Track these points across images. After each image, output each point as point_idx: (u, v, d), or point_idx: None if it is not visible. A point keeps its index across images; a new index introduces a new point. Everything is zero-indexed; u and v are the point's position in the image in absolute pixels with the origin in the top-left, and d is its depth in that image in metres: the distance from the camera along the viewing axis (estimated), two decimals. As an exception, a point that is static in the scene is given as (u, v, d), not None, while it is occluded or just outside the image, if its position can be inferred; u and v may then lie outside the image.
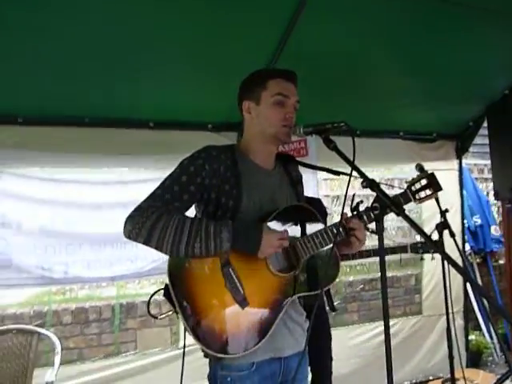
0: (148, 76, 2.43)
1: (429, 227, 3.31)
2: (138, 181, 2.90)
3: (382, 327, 3.67)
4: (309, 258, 1.39)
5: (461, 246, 3.25)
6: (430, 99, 3.13)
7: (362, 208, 1.42)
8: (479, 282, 4.27)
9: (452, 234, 1.99)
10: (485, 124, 3.47)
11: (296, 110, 1.46)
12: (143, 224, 1.26)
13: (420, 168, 1.67)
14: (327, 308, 2.30)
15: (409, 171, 3.86)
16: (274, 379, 1.39)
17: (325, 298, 2.19)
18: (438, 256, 3.13)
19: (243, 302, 1.29)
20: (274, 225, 1.36)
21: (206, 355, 1.36)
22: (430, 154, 3.50)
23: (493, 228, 4.53)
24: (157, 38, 2.22)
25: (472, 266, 4.25)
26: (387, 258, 4.47)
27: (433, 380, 3.39)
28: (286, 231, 1.33)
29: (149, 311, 1.36)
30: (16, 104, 2.41)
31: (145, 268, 2.76)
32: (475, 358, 3.82)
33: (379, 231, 1.16)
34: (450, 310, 2.63)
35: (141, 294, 3.66)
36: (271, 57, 2.52)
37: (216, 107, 2.86)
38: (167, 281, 1.31)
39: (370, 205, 1.38)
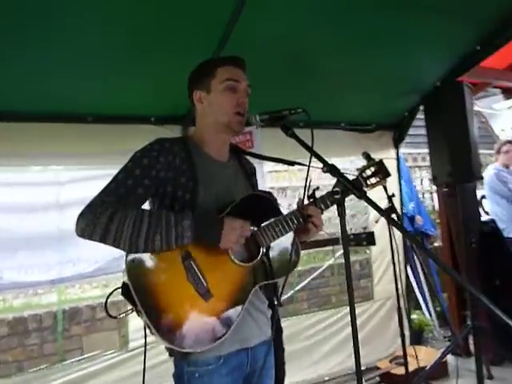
0: (86, 68, 2.30)
1: (374, 213, 3.46)
2: (76, 180, 2.74)
3: (333, 314, 3.79)
4: (269, 247, 1.40)
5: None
6: (369, 91, 3.24)
7: (317, 195, 1.45)
8: (418, 263, 4.52)
9: (399, 218, 2.09)
10: (418, 115, 3.71)
11: (248, 95, 1.46)
12: (97, 220, 1.20)
13: (367, 156, 1.73)
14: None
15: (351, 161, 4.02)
16: (242, 370, 1.38)
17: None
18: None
19: (207, 295, 1.27)
20: (232, 216, 1.35)
21: (170, 353, 1.33)
22: (372, 144, 3.63)
23: (417, 218, 4.79)
24: (94, 30, 2.10)
25: (411, 248, 4.48)
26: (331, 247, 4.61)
27: (381, 360, 3.55)
28: (246, 221, 1.32)
29: (107, 311, 1.30)
30: None
31: (87, 269, 2.64)
32: (417, 336, 4.04)
33: (341, 215, 1.18)
34: (400, 292, 2.79)
35: (84, 297, 3.49)
36: (215, 47, 2.48)
37: (159, 100, 2.79)
38: (125, 279, 1.25)
39: (325, 192, 1.42)
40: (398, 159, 3.92)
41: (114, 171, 2.79)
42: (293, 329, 3.40)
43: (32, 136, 2.48)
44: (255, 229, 1.37)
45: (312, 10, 2.39)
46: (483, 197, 4.43)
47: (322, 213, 1.44)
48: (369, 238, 2.50)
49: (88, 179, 2.72)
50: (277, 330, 2.39)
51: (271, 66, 2.58)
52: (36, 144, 2.51)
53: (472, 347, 3.65)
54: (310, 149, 1.24)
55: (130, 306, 1.28)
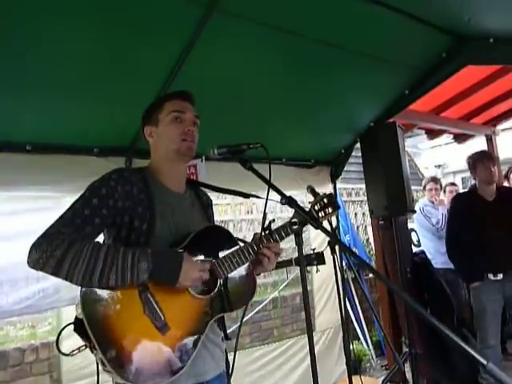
0: (27, 95, 2.23)
1: (316, 243, 3.57)
2: (14, 212, 2.59)
3: (276, 348, 3.80)
4: (226, 279, 1.41)
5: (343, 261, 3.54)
6: (308, 129, 3.42)
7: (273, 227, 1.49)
8: (355, 294, 4.69)
9: (342, 248, 2.18)
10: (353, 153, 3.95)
11: (196, 125, 1.50)
12: (52, 253, 1.16)
13: (311, 189, 1.83)
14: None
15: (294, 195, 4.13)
16: (197, 405, 1.35)
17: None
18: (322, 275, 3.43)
19: (164, 328, 1.25)
20: (190, 248, 1.36)
21: (123, 389, 1.27)
22: (311, 179, 3.76)
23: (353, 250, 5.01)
24: (40, 55, 2.06)
25: (348, 280, 4.65)
26: (272, 279, 4.65)
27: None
28: (206, 263, 1.33)
29: (58, 348, 1.22)
30: None
31: (18, 306, 2.45)
32: (356, 365, 4.14)
33: (299, 244, 1.23)
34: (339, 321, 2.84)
35: (11, 339, 3.21)
36: (162, 84, 2.52)
37: (102, 130, 2.74)
38: (78, 313, 1.21)
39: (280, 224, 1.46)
40: (335, 194, 4.10)
41: (59, 203, 2.68)
42: (236, 364, 3.34)
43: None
44: (213, 260, 1.38)
45: (254, 49, 2.52)
46: (412, 229, 4.73)
47: (278, 244, 1.48)
48: (319, 258, 2.59)
49: (28, 211, 2.59)
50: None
51: (217, 103, 2.66)
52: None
53: (408, 374, 3.83)
54: (268, 182, 1.29)
55: (82, 343, 1.22)
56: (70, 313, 2.47)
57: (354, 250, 4.99)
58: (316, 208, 1.59)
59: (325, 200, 1.60)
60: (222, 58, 2.46)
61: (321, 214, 1.58)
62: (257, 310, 4.21)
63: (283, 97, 2.99)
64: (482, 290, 3.15)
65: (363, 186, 6.11)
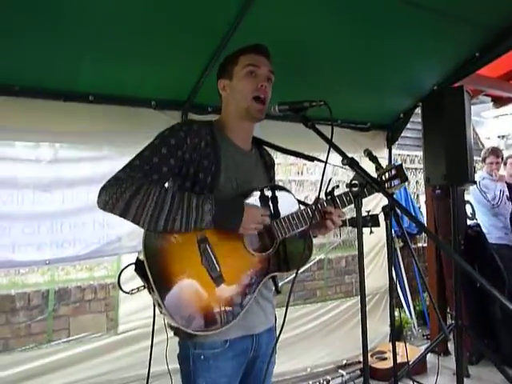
0: (89, 47, 2.27)
1: (368, 207, 3.51)
2: (74, 159, 2.70)
3: (318, 308, 3.83)
4: (284, 239, 1.41)
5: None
6: (367, 91, 3.28)
7: (336, 193, 1.47)
8: (401, 263, 4.62)
9: (396, 214, 2.12)
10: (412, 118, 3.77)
11: (270, 81, 1.47)
12: (121, 195, 1.21)
13: (369, 153, 1.75)
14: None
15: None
16: (246, 355, 1.41)
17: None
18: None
19: (219, 280, 1.28)
20: (252, 204, 1.36)
21: (176, 333, 1.34)
22: (366, 143, 3.65)
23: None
24: (100, 10, 2.06)
25: (396, 249, 4.57)
26: (319, 241, 4.65)
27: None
28: (266, 209, 1.33)
29: (119, 284, 1.29)
30: None
31: (83, 251, 2.60)
32: (397, 333, 4.13)
33: (357, 206, 1.21)
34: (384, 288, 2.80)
35: (72, 279, 3.45)
36: (220, 40, 2.47)
37: (160, 84, 2.77)
38: (140, 256, 1.26)
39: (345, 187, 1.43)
40: (390, 159, 3.98)
41: (113, 152, 2.76)
42: (278, 320, 3.44)
43: (31, 111, 2.44)
44: (271, 220, 1.38)
45: (319, 8, 2.40)
46: (467, 201, 4.54)
47: (341, 209, 1.46)
48: (374, 221, 2.57)
49: (85, 159, 2.69)
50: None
51: (276, 62, 2.60)
52: (34, 119, 2.46)
53: (450, 347, 3.80)
54: (329, 141, 1.25)
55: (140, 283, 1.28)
56: (129, 260, 2.62)
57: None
58: (383, 178, 1.54)
59: (393, 171, 1.54)
60: (285, 15, 2.37)
61: (387, 184, 1.53)
62: (302, 269, 4.25)
63: (344, 56, 2.86)
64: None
65: (419, 153, 5.93)
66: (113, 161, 2.70)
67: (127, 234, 2.67)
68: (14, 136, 2.50)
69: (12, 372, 2.46)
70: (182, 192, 1.29)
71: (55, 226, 2.50)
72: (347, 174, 4.40)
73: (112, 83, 2.60)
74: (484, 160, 4.22)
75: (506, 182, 4.07)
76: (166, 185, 1.37)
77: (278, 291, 1.52)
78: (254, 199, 1.37)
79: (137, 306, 2.72)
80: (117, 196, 1.21)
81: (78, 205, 2.58)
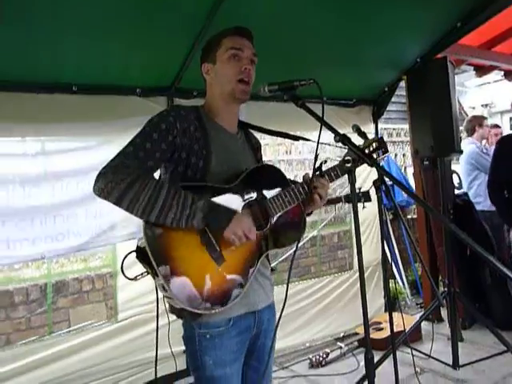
0: (71, 36, 2.24)
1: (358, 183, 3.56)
2: (63, 151, 2.68)
3: (313, 284, 3.89)
4: (278, 217, 1.44)
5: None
6: (351, 66, 3.28)
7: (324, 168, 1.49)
8: (392, 235, 4.71)
9: (387, 189, 2.16)
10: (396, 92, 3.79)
11: (254, 64, 1.48)
12: (117, 184, 1.22)
13: (357, 129, 1.77)
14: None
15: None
16: (249, 332, 1.45)
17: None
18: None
19: (219, 259, 1.31)
20: (243, 185, 1.39)
21: (179, 315, 1.37)
22: (352, 118, 3.68)
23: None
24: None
25: (386, 221, 4.65)
26: (311, 218, 4.71)
27: (359, 326, 3.71)
28: (253, 227, 1.34)
29: (123, 272, 1.31)
30: None
31: (78, 242, 2.61)
32: (392, 303, 4.24)
33: (352, 182, 1.24)
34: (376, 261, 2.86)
35: (68, 271, 3.46)
36: (203, 21, 2.45)
37: (145, 72, 2.75)
38: (140, 243, 1.29)
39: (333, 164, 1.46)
40: (376, 134, 4.01)
41: (100, 141, 2.74)
42: (276, 297, 3.50)
43: (15, 105, 2.41)
44: (264, 199, 1.41)
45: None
46: (453, 171, 4.61)
47: (328, 184, 1.49)
48: (365, 196, 2.65)
49: (75, 150, 2.68)
50: None
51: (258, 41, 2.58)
52: (19, 114, 2.44)
53: (442, 313, 3.91)
54: (320, 119, 1.27)
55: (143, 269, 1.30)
56: (124, 248, 2.63)
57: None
58: (366, 151, 1.56)
59: (374, 144, 1.57)
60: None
61: (375, 156, 1.56)
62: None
63: (327, 33, 2.86)
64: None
65: (404, 126, 5.97)
66: (101, 150, 2.69)
67: (120, 222, 2.68)
68: (8, 132, 2.47)
69: (14, 366, 2.48)
70: (176, 187, 1.29)
71: (48, 219, 2.49)
72: (335, 151, 4.44)
73: (95, 73, 2.58)
74: (480, 124, 4.26)
75: None
76: (159, 171, 1.38)
77: (271, 269, 1.56)
78: (245, 181, 1.39)
79: (135, 294, 2.76)
80: (112, 185, 1.22)
81: (69, 197, 2.58)
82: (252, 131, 1.67)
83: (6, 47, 2.15)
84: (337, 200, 2.74)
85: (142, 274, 1.30)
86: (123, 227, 2.65)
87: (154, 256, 1.23)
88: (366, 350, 1.42)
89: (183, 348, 1.42)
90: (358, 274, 3.94)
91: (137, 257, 1.29)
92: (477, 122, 4.30)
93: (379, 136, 1.59)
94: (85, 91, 2.62)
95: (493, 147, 4.05)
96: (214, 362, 1.35)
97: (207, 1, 2.31)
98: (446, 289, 3.00)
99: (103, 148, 2.71)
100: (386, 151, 1.58)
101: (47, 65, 2.40)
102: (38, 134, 2.61)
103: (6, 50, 2.17)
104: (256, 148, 1.64)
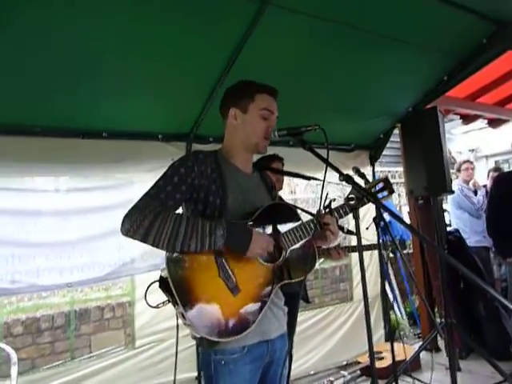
0: (106, 96, 2.34)
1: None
2: (93, 188, 2.72)
3: (316, 314, 3.78)
4: (290, 251, 1.44)
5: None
6: (350, 115, 3.35)
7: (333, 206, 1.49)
8: (390, 269, 4.63)
9: (386, 225, 2.15)
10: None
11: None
12: (141, 223, 1.23)
13: (357, 170, 1.79)
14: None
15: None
16: (262, 359, 1.41)
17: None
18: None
19: (235, 290, 1.29)
20: (259, 221, 1.39)
21: (198, 343, 1.34)
22: (351, 162, 3.71)
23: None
24: (106, 50, 2.11)
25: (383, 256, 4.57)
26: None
27: (360, 355, 3.59)
28: (271, 236, 1.36)
29: (146, 301, 1.30)
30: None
31: (100, 273, 2.60)
32: (391, 333, 4.11)
33: (356, 217, 1.23)
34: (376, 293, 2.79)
35: (91, 299, 3.42)
36: (219, 74, 2.53)
37: (166, 119, 2.82)
38: (163, 274, 1.28)
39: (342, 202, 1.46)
40: (374, 176, 4.03)
41: (124, 180, 2.77)
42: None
43: (56, 150, 2.46)
44: (277, 234, 1.40)
45: (306, 43, 2.49)
46: (445, 210, 4.59)
47: (337, 221, 1.48)
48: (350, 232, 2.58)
49: (101, 188, 2.72)
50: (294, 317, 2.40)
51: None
52: (51, 156, 2.48)
53: (439, 344, 3.78)
54: (326, 161, 1.29)
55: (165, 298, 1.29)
56: (142, 279, 2.62)
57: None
58: (372, 191, 1.56)
59: (380, 184, 1.57)
60: (274, 47, 2.44)
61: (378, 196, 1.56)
62: (300, 279, 4.25)
63: (330, 87, 2.94)
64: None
65: (398, 168, 5.99)
66: (124, 189, 2.73)
67: (140, 256, 2.68)
68: (35, 172, 2.52)
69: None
70: (195, 217, 1.32)
71: (75, 251, 2.50)
72: (334, 190, 4.45)
73: (123, 122, 2.65)
74: (459, 169, 4.29)
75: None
76: (180, 210, 1.39)
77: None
78: (259, 217, 1.39)
79: (151, 322, 2.71)
80: (137, 224, 1.23)
81: (94, 232, 2.60)
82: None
83: (57, 99, 2.24)
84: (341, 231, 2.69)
85: (163, 302, 1.29)
86: (143, 260, 2.64)
87: (175, 286, 1.22)
88: (372, 381, 1.36)
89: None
90: (357, 304, 3.88)
91: (159, 286, 1.28)
92: (458, 165, 4.35)
93: (384, 177, 1.60)
94: (114, 137, 2.68)
95: (480, 190, 4.08)
96: (229, 387, 1.31)
97: (225, 54, 2.39)
98: (443, 320, 2.91)
99: (126, 187, 2.75)
100: (392, 191, 1.57)
101: (85, 116, 2.48)
102: (68, 174, 2.66)
103: (56, 101, 2.26)
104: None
